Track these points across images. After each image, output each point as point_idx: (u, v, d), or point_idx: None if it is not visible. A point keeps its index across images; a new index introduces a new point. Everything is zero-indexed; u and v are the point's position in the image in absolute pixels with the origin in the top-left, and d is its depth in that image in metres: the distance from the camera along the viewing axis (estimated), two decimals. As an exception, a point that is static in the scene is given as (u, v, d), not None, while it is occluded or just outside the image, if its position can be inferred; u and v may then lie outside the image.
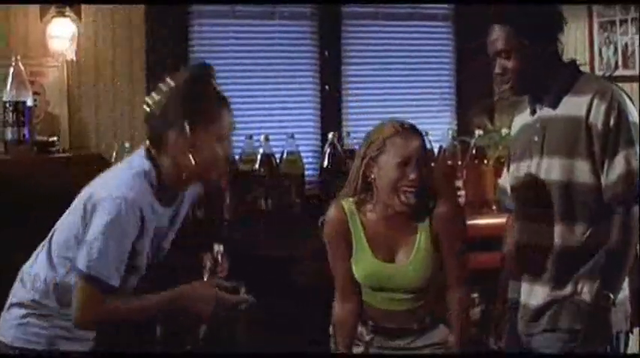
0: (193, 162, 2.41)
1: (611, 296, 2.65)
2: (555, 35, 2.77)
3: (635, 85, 3.86)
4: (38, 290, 2.48)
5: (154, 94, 2.47)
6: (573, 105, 2.70)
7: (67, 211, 2.51)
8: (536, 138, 2.78)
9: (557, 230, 2.73)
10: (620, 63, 4.05)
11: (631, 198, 2.65)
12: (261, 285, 3.74)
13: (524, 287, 2.82)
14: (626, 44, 4.02)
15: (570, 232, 2.72)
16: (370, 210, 2.85)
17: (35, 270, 2.50)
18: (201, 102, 2.41)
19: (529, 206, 2.82)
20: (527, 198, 2.82)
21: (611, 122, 2.64)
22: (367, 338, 2.92)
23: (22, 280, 2.53)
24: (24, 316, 2.48)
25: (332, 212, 2.90)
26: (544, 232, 2.75)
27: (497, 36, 2.73)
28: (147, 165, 2.45)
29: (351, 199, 2.88)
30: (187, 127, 2.39)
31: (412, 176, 2.73)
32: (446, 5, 4.70)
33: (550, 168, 2.74)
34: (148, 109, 2.47)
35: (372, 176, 2.79)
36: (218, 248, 2.55)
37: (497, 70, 2.77)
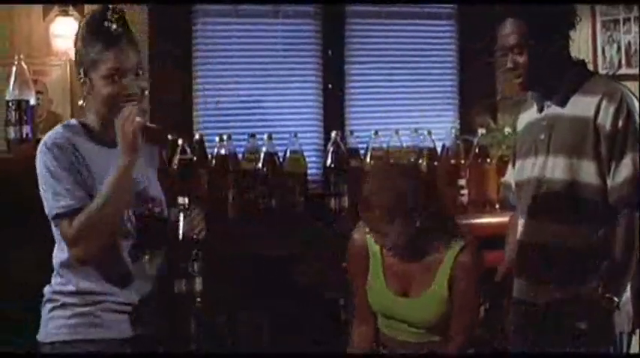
0: (98, 104, 2.48)
1: (615, 298, 2.64)
2: (567, 32, 2.77)
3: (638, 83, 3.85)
4: (57, 278, 2.51)
5: None
6: (582, 105, 2.70)
7: None
8: (542, 136, 2.78)
9: (560, 229, 2.73)
10: (623, 62, 4.04)
11: (636, 201, 2.64)
12: (263, 285, 3.77)
13: (528, 285, 2.81)
14: (629, 43, 4.01)
15: (573, 232, 2.71)
16: None
17: (54, 261, 2.53)
18: (86, 47, 2.48)
19: (533, 203, 2.81)
20: (531, 196, 2.81)
21: (620, 124, 2.63)
22: None
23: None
24: (50, 310, 2.50)
25: (355, 234, 2.90)
26: (547, 230, 2.76)
27: (511, 30, 2.72)
28: (72, 120, 2.59)
29: None
30: (82, 73, 2.48)
31: None
32: (449, 4, 4.70)
33: (555, 167, 2.74)
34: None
35: None
36: (183, 200, 2.55)
37: (509, 64, 2.76)
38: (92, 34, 2.47)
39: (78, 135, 2.49)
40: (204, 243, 2.52)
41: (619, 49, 4.05)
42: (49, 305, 2.51)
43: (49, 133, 2.50)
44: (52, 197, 2.40)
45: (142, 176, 2.56)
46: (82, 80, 2.49)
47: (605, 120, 2.64)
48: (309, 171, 4.18)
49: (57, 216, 2.40)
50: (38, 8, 3.95)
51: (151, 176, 2.61)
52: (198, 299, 3.65)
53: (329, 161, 4.16)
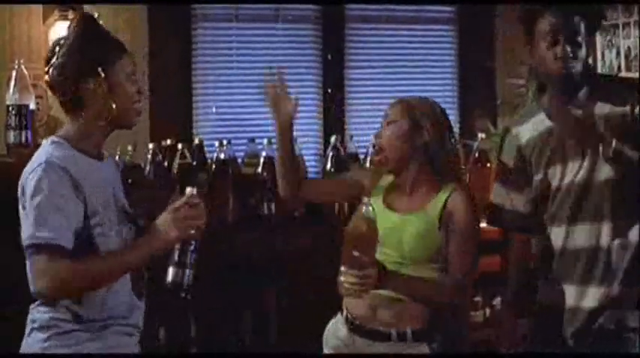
0: (107, 110, 2.36)
1: None
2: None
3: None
4: (48, 307, 2.35)
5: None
6: (613, 100, 2.70)
7: None
8: (571, 141, 2.75)
9: (609, 229, 2.71)
10: (622, 66, 4.04)
11: None
12: (262, 288, 3.77)
13: (573, 290, 2.77)
14: (628, 47, 4.02)
15: (622, 230, 2.71)
16: None
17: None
18: (97, 50, 2.37)
19: (576, 208, 2.75)
20: (576, 201, 2.75)
21: None
22: (347, 340, 2.81)
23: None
24: (49, 337, 2.34)
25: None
26: (595, 233, 2.73)
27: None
28: (55, 138, 2.38)
29: None
30: (93, 77, 2.35)
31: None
32: (449, 8, 4.71)
33: (599, 167, 2.72)
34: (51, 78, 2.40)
35: None
36: (192, 191, 2.43)
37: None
38: (102, 37, 2.40)
39: (69, 150, 2.33)
40: (203, 247, 2.50)
41: (618, 53, 4.06)
42: (42, 334, 2.34)
43: (46, 150, 2.33)
44: (34, 221, 2.23)
45: (117, 188, 2.46)
46: (88, 86, 2.33)
47: None
48: (308, 176, 4.18)
49: (33, 246, 2.22)
50: (38, 13, 3.96)
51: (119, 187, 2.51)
52: (196, 304, 3.65)
53: (329, 165, 4.15)
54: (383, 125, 2.79)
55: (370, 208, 2.48)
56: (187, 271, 2.37)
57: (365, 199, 2.52)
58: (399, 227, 2.71)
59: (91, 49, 2.36)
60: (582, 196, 2.73)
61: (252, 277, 3.72)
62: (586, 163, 2.71)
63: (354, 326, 2.78)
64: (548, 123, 2.79)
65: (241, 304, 3.78)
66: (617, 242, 2.70)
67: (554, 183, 2.78)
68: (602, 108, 2.70)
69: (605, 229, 2.71)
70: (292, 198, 2.94)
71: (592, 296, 2.72)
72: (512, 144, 2.89)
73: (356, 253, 2.46)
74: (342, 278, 2.48)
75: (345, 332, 2.80)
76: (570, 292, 2.76)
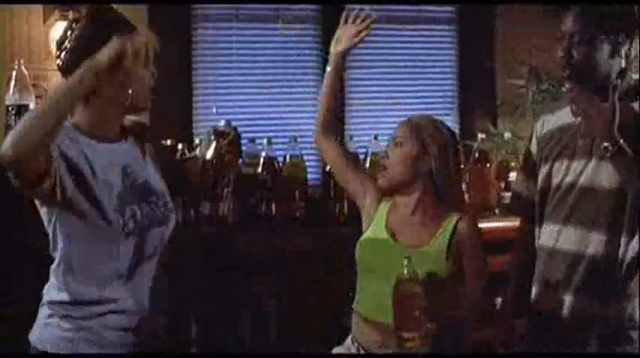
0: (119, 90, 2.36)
1: None
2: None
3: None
4: (52, 282, 2.42)
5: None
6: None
7: None
8: (581, 142, 2.70)
9: (598, 239, 2.66)
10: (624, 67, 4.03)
11: None
12: (262, 289, 3.77)
13: (551, 294, 2.74)
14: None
15: (610, 243, 2.64)
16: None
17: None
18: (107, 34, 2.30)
19: (570, 210, 2.71)
20: (569, 202, 2.72)
21: None
22: None
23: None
24: (49, 316, 2.42)
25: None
26: (584, 240, 2.67)
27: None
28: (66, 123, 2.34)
29: None
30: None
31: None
32: (449, 8, 4.71)
33: (600, 173, 2.65)
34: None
35: None
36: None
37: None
38: (114, 19, 2.39)
39: (67, 131, 2.31)
40: (202, 248, 2.51)
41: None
42: (49, 311, 2.42)
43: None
44: None
45: (141, 170, 2.48)
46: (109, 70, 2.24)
47: None
48: (309, 176, 4.18)
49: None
50: (38, 13, 3.96)
51: (151, 171, 2.52)
52: (196, 304, 3.66)
53: (329, 166, 4.15)
54: (390, 145, 2.78)
55: (410, 265, 2.49)
56: (221, 204, 2.40)
57: (405, 262, 2.50)
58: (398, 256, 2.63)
59: (103, 31, 2.32)
60: (580, 199, 2.69)
61: (252, 277, 3.73)
62: (592, 164, 2.66)
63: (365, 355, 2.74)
64: (569, 118, 2.75)
65: (241, 304, 3.78)
66: (600, 253, 2.64)
67: (556, 179, 2.76)
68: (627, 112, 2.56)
69: (595, 238, 2.65)
70: (319, 133, 2.91)
71: (568, 304, 2.69)
72: (536, 134, 2.88)
73: (416, 313, 2.47)
74: (409, 345, 2.48)
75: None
76: (548, 295, 2.75)
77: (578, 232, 2.69)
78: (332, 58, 2.90)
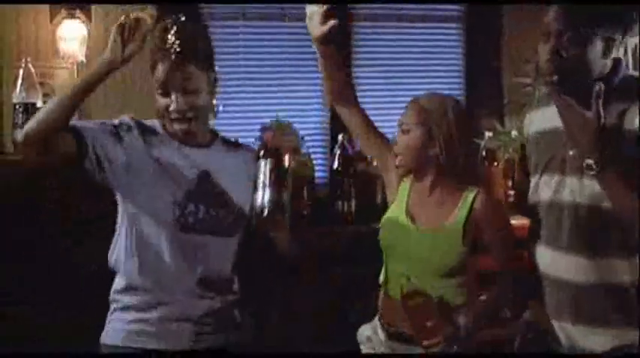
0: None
1: None
2: None
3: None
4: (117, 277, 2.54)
5: None
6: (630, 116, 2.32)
7: None
8: (571, 153, 2.39)
9: (583, 264, 2.41)
10: (630, 64, 4.03)
11: None
12: (269, 288, 3.77)
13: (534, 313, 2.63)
14: (635, 45, 4.01)
15: (592, 268, 2.40)
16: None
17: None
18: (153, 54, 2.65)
19: (557, 231, 2.47)
20: (555, 222, 2.48)
21: None
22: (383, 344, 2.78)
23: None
24: (112, 312, 2.54)
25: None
26: (565, 263, 2.44)
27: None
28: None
29: None
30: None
31: None
32: (455, 7, 4.70)
33: (593, 191, 2.34)
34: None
35: None
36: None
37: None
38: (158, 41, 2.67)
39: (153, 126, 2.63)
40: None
41: (626, 51, 4.04)
42: (112, 306, 2.54)
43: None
44: None
45: (228, 181, 2.58)
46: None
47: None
48: (315, 174, 4.18)
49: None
50: (45, 11, 3.97)
51: (240, 185, 2.58)
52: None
53: (336, 164, 4.16)
54: (398, 132, 2.78)
55: (416, 281, 2.54)
56: (267, 191, 2.43)
57: (404, 280, 2.55)
58: (421, 243, 2.69)
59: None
60: (578, 222, 2.41)
61: (258, 276, 3.73)
62: (587, 181, 2.35)
63: (392, 333, 2.75)
64: (558, 122, 2.37)
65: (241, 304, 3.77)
66: (582, 279, 2.40)
67: (545, 195, 2.51)
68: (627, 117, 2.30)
69: (580, 263, 2.40)
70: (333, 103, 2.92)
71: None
72: (526, 132, 2.69)
73: (429, 323, 2.50)
74: (432, 349, 2.51)
75: (384, 338, 2.78)
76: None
77: (560, 256, 2.46)
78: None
